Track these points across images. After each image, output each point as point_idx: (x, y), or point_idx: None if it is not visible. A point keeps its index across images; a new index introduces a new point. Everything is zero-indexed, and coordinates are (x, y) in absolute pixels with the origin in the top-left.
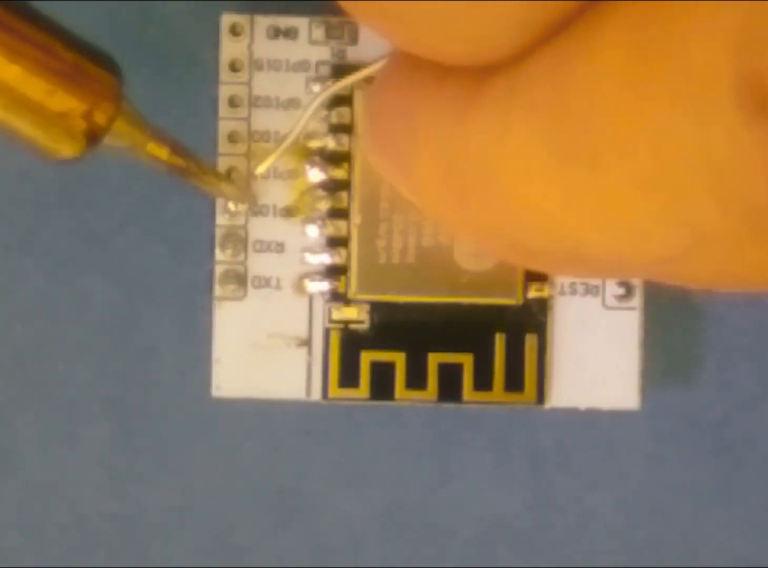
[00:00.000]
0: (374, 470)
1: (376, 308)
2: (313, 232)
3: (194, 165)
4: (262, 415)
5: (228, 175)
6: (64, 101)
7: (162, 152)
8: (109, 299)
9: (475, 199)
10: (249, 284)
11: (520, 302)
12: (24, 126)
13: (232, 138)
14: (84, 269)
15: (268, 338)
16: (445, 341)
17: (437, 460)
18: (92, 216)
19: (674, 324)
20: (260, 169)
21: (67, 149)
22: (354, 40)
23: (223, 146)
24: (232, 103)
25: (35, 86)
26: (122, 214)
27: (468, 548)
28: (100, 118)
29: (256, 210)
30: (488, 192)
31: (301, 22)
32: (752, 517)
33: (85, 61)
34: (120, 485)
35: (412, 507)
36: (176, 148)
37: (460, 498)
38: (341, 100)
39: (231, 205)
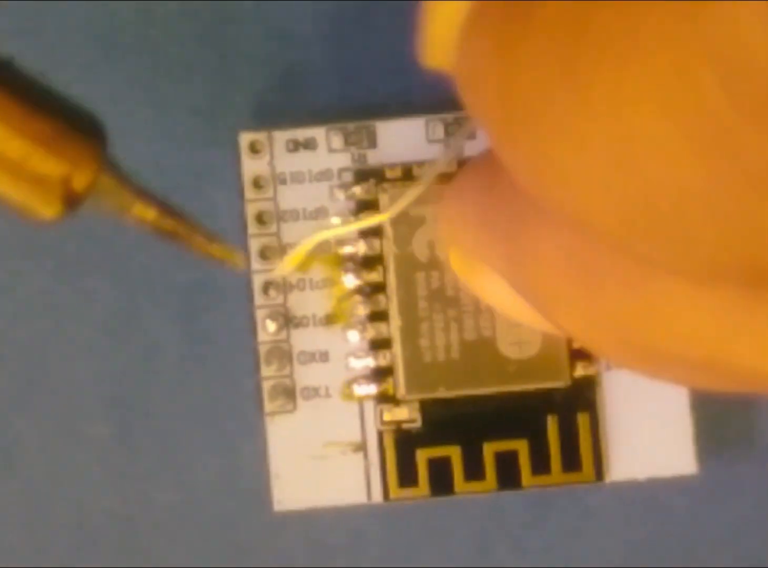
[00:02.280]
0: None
1: (426, 405)
2: (355, 337)
3: (183, 226)
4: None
5: (218, 236)
6: (41, 166)
7: (149, 214)
8: (110, 298)
9: (609, 292)
10: (298, 396)
11: (568, 382)
12: (2, 187)
13: (264, 254)
14: (84, 269)
15: (323, 447)
16: (499, 429)
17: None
18: (92, 216)
19: None
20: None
21: (45, 212)
22: (373, 143)
23: (256, 262)
24: (260, 219)
25: (13, 149)
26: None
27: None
28: (78, 183)
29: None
30: (625, 288)
31: (318, 132)
32: (752, 517)
33: (66, 126)
34: (121, 484)
35: None
36: (164, 210)
37: None
38: (368, 205)
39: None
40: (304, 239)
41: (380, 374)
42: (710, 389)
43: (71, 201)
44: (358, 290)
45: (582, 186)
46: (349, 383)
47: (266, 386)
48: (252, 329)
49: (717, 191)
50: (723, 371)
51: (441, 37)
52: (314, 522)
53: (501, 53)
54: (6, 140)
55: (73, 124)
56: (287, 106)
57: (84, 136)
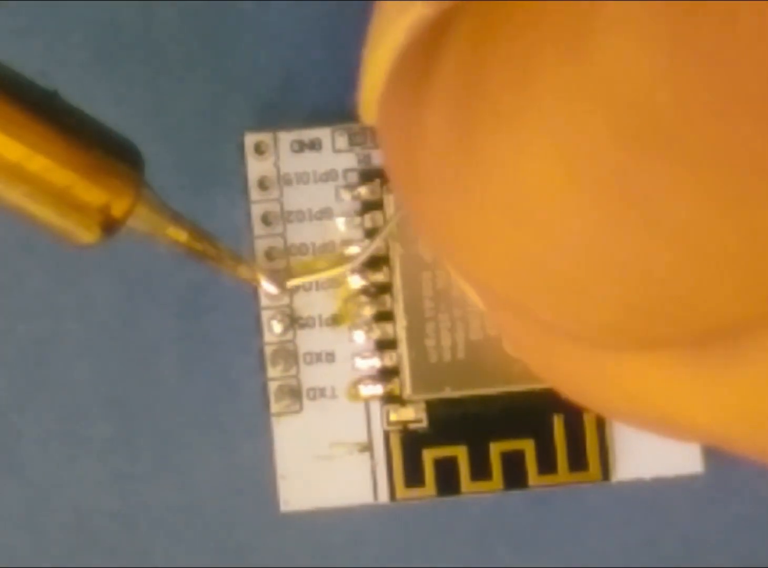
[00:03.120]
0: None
1: (432, 405)
2: (361, 337)
3: (213, 249)
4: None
5: (245, 259)
6: (83, 194)
7: (181, 236)
8: (110, 298)
9: (561, 353)
10: (304, 397)
11: None
12: (44, 214)
13: (270, 255)
14: (85, 269)
15: (329, 447)
16: (505, 429)
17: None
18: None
19: None
20: (292, 283)
21: (84, 238)
22: (377, 143)
23: (262, 263)
24: (266, 220)
25: (57, 178)
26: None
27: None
28: (116, 211)
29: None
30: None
31: (323, 133)
32: (758, 516)
33: (107, 155)
34: (121, 484)
35: None
36: (195, 232)
37: None
38: (373, 205)
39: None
40: (314, 247)
41: (386, 374)
42: (676, 440)
43: (110, 227)
44: (364, 291)
45: (481, 249)
46: (355, 384)
47: (272, 386)
48: (256, 329)
49: (614, 240)
50: (680, 429)
51: (372, 91)
52: (321, 523)
53: (407, 114)
54: (51, 170)
55: (113, 152)
56: (292, 107)
57: (123, 165)
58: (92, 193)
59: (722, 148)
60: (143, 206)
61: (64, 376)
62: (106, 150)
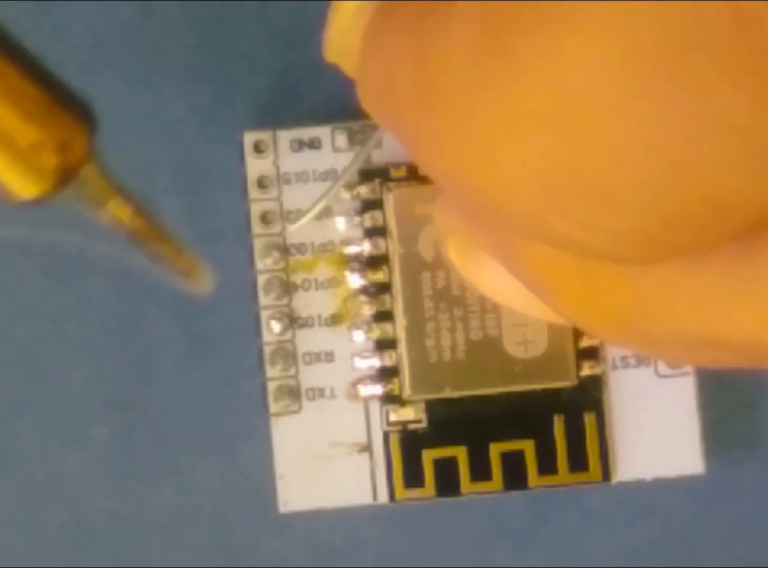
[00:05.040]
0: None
1: (432, 406)
2: (360, 337)
3: (155, 232)
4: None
5: (189, 249)
6: (37, 133)
7: (124, 213)
8: (110, 299)
9: (602, 278)
10: (303, 397)
11: (575, 382)
12: None
13: (268, 253)
14: (84, 269)
15: (328, 447)
16: (505, 429)
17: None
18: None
19: (727, 384)
20: (294, 228)
21: (33, 187)
22: (378, 143)
23: (260, 262)
24: (265, 219)
25: (8, 116)
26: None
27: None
28: (72, 156)
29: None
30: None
31: (323, 132)
32: (759, 517)
33: (61, 99)
34: (120, 485)
35: None
36: (139, 211)
37: None
38: (373, 204)
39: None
40: (313, 246)
41: (386, 374)
42: (711, 365)
43: (63, 175)
44: (364, 290)
45: (504, 161)
46: (355, 384)
47: (271, 386)
48: (255, 329)
49: (659, 142)
50: (722, 346)
51: (343, 34)
52: (320, 523)
53: (417, 50)
54: (3, 106)
55: (68, 98)
56: (292, 106)
57: (78, 114)
58: (47, 132)
59: None
60: (91, 169)
61: (62, 376)
62: (61, 95)
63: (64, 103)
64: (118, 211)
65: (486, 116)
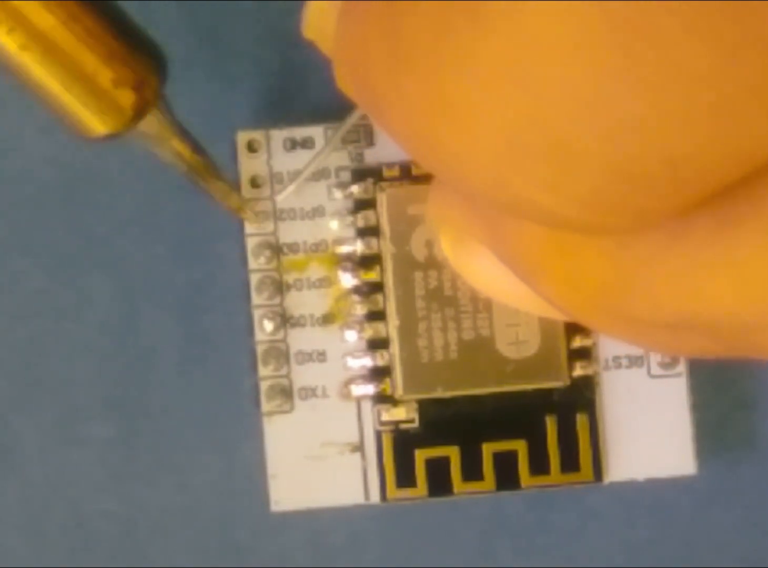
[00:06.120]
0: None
1: (424, 405)
2: (352, 337)
3: (210, 169)
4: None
5: (238, 188)
6: (118, 71)
7: (185, 149)
8: (110, 298)
9: (584, 259)
10: (295, 396)
11: (567, 382)
12: (73, 96)
13: (261, 253)
14: (84, 269)
15: (320, 447)
16: (497, 429)
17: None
18: (92, 216)
19: (721, 385)
20: (281, 196)
21: (112, 122)
22: (370, 142)
23: (253, 261)
24: (258, 218)
25: (92, 56)
26: (123, 214)
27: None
28: (147, 93)
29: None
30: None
31: (316, 131)
32: (752, 517)
33: (137, 41)
34: (120, 485)
35: None
36: (197, 150)
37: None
38: (365, 204)
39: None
40: (306, 245)
41: (378, 373)
42: (693, 354)
43: (139, 110)
44: (356, 290)
45: (472, 119)
46: (347, 383)
47: (263, 386)
48: (250, 328)
49: (624, 93)
50: (702, 328)
51: (320, 11)
52: (312, 523)
53: (388, 12)
54: (85, 45)
55: (143, 40)
56: (285, 105)
57: (151, 56)
58: (127, 70)
59: None
60: (162, 105)
61: (61, 376)
62: (138, 38)
63: (140, 45)
64: (180, 148)
65: (452, 69)
